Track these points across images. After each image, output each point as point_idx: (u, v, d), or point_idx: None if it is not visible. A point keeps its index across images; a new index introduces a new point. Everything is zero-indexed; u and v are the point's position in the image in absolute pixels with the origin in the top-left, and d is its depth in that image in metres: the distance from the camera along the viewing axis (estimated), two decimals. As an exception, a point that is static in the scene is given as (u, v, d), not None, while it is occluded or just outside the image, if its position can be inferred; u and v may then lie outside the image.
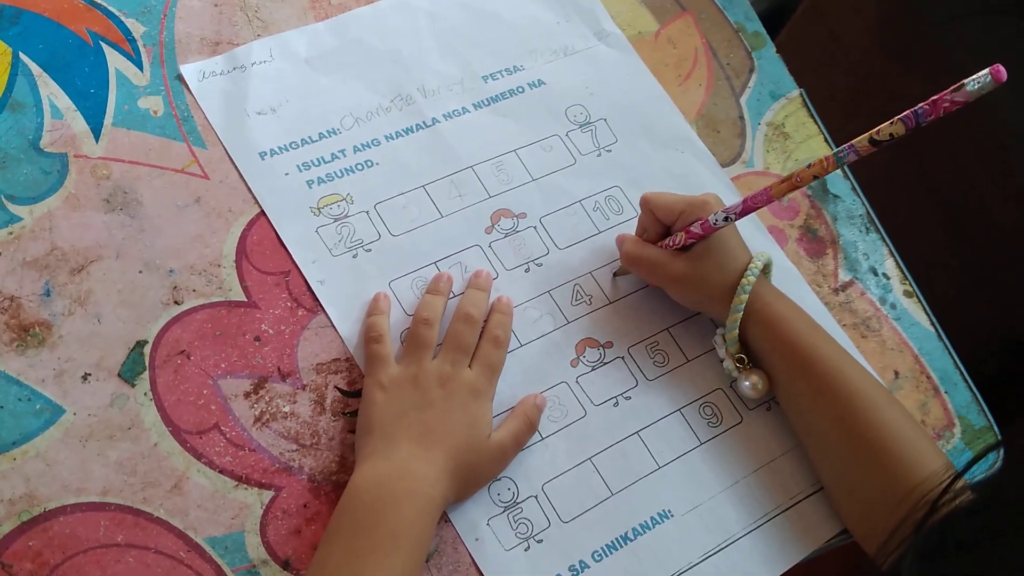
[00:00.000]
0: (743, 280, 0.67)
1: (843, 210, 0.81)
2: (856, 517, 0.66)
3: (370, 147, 0.73)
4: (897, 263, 0.80)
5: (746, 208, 0.65)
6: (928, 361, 0.77)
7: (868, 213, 0.82)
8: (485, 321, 0.67)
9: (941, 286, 0.93)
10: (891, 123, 0.57)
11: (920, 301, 0.79)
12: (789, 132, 0.84)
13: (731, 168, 0.81)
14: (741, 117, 0.83)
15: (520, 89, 0.79)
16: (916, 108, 0.56)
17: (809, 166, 0.61)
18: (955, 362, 0.77)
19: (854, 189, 0.83)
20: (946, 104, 0.55)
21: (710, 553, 0.65)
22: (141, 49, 0.73)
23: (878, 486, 0.64)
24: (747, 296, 0.67)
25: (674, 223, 0.69)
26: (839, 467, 0.66)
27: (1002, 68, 0.54)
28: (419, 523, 0.57)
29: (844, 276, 0.79)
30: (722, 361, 0.71)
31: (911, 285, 0.80)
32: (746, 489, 0.68)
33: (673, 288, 0.70)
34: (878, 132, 0.57)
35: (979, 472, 0.73)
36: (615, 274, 0.74)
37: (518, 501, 0.64)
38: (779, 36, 1.44)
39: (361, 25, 0.78)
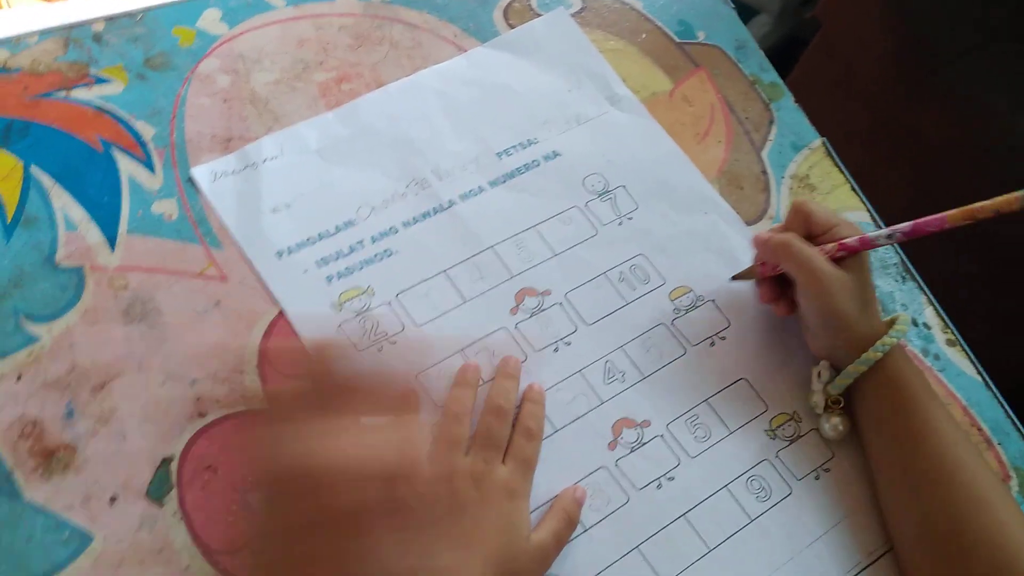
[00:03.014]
0: (886, 337, 0.65)
1: (877, 260, 0.79)
2: None
3: (388, 235, 0.72)
4: (937, 311, 0.78)
5: (916, 230, 0.64)
6: (978, 412, 0.74)
7: (903, 262, 0.80)
8: (516, 410, 0.66)
9: (978, 325, 0.91)
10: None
11: (964, 349, 0.77)
12: (815, 183, 0.82)
13: (758, 225, 0.79)
14: (764, 172, 0.81)
15: (535, 163, 0.77)
16: None
17: (992, 201, 0.59)
18: (1006, 411, 0.74)
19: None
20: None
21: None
22: (152, 152, 0.72)
23: (937, 516, 0.62)
24: (882, 354, 0.65)
25: (822, 235, 0.68)
26: (938, 565, 0.63)
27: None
28: None
29: (883, 330, 0.76)
30: (811, 394, 0.69)
31: (953, 333, 0.77)
32: (800, 566, 0.65)
33: (816, 291, 0.66)
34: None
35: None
36: (734, 277, 0.74)
37: (565, 598, 0.61)
38: (792, 72, 1.43)
39: (371, 111, 0.77)
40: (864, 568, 0.66)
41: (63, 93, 0.73)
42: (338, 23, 0.80)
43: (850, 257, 0.67)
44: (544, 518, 0.62)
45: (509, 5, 0.85)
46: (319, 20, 0.80)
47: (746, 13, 1.71)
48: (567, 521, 0.62)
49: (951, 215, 0.62)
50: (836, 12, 1.37)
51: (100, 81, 0.74)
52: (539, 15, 0.85)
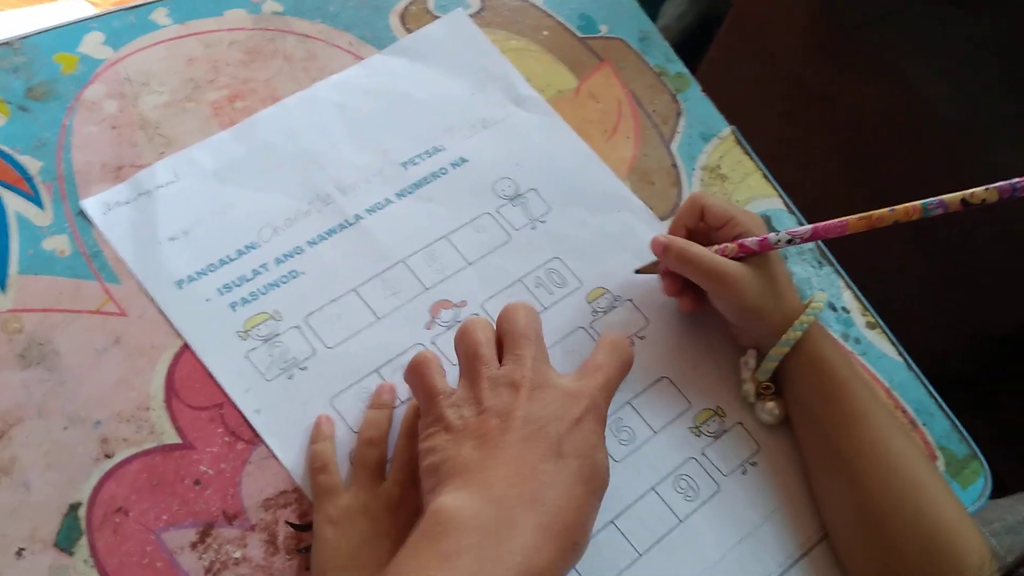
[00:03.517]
0: (803, 316, 0.65)
1: (792, 247, 0.79)
2: None
3: (293, 256, 0.69)
4: (855, 295, 0.78)
5: (815, 235, 0.64)
6: (901, 394, 0.74)
7: (818, 246, 0.79)
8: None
9: (900, 296, 0.91)
10: (986, 189, 0.56)
11: (885, 332, 0.77)
12: (726, 173, 0.81)
13: (671, 220, 0.78)
14: (674, 165, 0.81)
15: (443, 171, 0.75)
16: (1014, 182, 0.55)
17: (892, 210, 0.60)
18: (929, 392, 0.75)
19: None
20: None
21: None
22: (40, 186, 0.69)
23: (873, 495, 0.62)
24: (802, 332, 0.65)
25: (720, 229, 0.68)
26: (874, 548, 0.62)
27: None
28: None
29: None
30: (742, 384, 0.69)
31: (873, 316, 0.77)
32: (733, 564, 0.64)
33: (721, 290, 0.66)
34: (971, 196, 0.57)
35: (969, 503, 0.71)
36: (637, 271, 0.73)
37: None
38: (709, 51, 1.43)
39: (268, 127, 0.74)
40: (799, 559, 0.65)
41: (-60, 130, 0.69)
42: (228, 39, 0.78)
43: (750, 257, 0.66)
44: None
45: (405, 9, 0.83)
46: (208, 37, 0.77)
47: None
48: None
49: (852, 223, 0.62)
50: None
51: (-20, 115, 0.70)
52: (437, 18, 0.83)
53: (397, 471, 0.61)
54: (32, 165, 0.69)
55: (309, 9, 0.81)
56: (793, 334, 0.65)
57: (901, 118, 1.19)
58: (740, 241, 0.66)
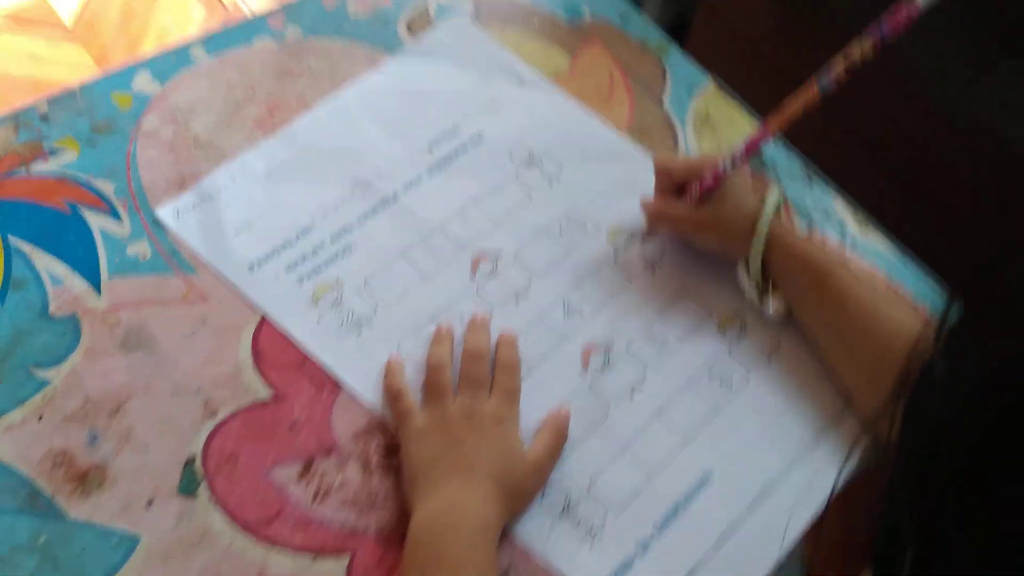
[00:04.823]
0: (763, 213, 0.74)
1: (783, 172, 0.88)
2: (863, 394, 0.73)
3: (344, 234, 0.79)
4: (847, 202, 0.87)
5: (748, 148, 0.73)
6: (902, 280, 0.83)
7: (806, 167, 0.88)
8: (492, 355, 0.73)
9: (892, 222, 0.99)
10: (860, 44, 0.65)
11: (876, 229, 0.85)
12: (715, 120, 0.91)
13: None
14: (668, 120, 0.90)
15: (464, 148, 0.85)
16: (881, 25, 0.64)
17: (796, 96, 0.69)
18: (928, 274, 0.83)
19: (789, 150, 0.89)
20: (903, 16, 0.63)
21: (756, 499, 0.70)
22: (116, 204, 0.78)
23: (872, 355, 0.70)
24: (768, 226, 0.74)
25: (688, 179, 0.77)
26: (842, 352, 0.73)
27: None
28: (479, 547, 0.62)
29: (801, 227, 0.85)
30: (744, 292, 0.78)
31: (865, 217, 0.86)
32: (769, 442, 0.72)
33: (699, 236, 0.78)
34: (848, 56, 0.66)
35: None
36: (645, 234, 0.82)
37: (571, 504, 0.68)
38: (684, 46, 1.52)
39: (306, 131, 0.84)
40: (826, 431, 0.73)
41: (23, 170, 0.79)
42: (259, 62, 0.88)
43: (716, 190, 0.76)
44: (536, 437, 0.69)
45: (411, 19, 0.93)
46: (241, 63, 0.87)
47: None
48: (556, 435, 0.69)
49: (772, 125, 0.72)
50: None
51: (55, 153, 0.80)
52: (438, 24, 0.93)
53: (465, 388, 0.69)
54: (106, 187, 0.79)
55: (326, 29, 0.91)
56: (762, 229, 0.74)
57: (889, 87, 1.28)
58: (700, 180, 0.76)
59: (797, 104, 0.69)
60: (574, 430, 0.71)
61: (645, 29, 0.96)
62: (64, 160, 0.80)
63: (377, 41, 0.91)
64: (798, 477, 0.71)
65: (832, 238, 0.84)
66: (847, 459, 0.71)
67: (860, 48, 0.65)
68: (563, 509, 0.68)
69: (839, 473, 0.71)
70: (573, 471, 0.69)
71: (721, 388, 0.74)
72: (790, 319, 0.77)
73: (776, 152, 0.89)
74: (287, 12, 0.92)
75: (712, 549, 0.67)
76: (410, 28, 0.93)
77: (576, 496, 0.68)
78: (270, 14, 0.91)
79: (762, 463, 0.71)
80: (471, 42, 0.93)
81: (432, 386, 0.70)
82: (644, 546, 0.67)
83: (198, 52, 0.88)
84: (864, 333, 0.71)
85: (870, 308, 0.71)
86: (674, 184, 0.79)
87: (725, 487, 0.70)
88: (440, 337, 0.73)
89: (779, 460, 0.71)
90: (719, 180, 0.75)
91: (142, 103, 0.84)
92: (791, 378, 0.75)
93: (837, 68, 0.67)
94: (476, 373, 0.70)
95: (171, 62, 0.87)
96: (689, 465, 0.71)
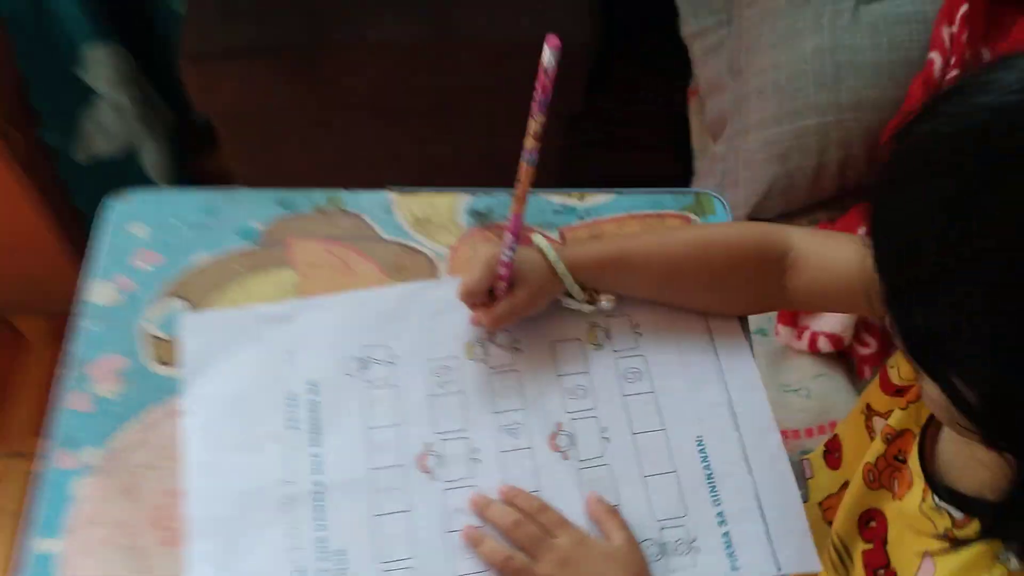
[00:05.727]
0: (548, 258, 0.90)
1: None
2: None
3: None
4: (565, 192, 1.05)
5: (515, 233, 0.86)
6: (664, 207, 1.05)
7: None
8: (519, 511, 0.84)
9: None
10: (532, 118, 0.79)
11: (598, 193, 1.06)
12: (422, 217, 1.05)
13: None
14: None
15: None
16: (536, 98, 0.78)
17: (518, 181, 0.84)
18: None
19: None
20: (547, 82, 0.77)
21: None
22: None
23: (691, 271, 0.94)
24: (562, 262, 0.90)
25: (489, 284, 0.89)
26: (678, 290, 0.96)
27: (553, 36, 0.75)
28: None
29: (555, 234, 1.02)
30: (583, 311, 0.95)
31: (580, 193, 1.06)
32: (690, 370, 0.96)
33: (531, 309, 0.92)
34: (535, 134, 0.80)
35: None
36: (489, 341, 0.95)
37: (663, 543, 0.85)
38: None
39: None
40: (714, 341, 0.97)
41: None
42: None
43: (512, 274, 0.89)
44: (600, 527, 0.84)
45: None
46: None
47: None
48: (610, 512, 0.84)
49: (517, 207, 0.87)
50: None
51: None
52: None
53: (532, 551, 0.82)
54: None
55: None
56: (561, 269, 0.91)
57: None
58: (499, 278, 0.89)
59: (524, 182, 0.85)
60: (606, 494, 0.87)
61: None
62: None
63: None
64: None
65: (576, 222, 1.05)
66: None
67: (535, 122, 0.80)
68: (659, 555, 0.84)
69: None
70: (639, 523, 0.86)
71: (642, 381, 0.94)
72: (624, 300, 0.97)
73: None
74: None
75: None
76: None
77: (654, 535, 0.85)
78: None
79: (711, 395, 0.94)
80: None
81: (515, 573, 0.80)
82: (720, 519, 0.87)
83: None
84: (679, 267, 0.93)
85: (666, 249, 0.94)
86: (483, 295, 0.90)
87: (714, 441, 0.92)
88: (478, 538, 0.82)
89: (716, 392, 0.94)
90: (510, 267, 0.88)
91: None
92: (666, 335, 0.97)
93: (529, 144, 0.81)
94: (530, 534, 0.81)
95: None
96: (682, 442, 0.91)
